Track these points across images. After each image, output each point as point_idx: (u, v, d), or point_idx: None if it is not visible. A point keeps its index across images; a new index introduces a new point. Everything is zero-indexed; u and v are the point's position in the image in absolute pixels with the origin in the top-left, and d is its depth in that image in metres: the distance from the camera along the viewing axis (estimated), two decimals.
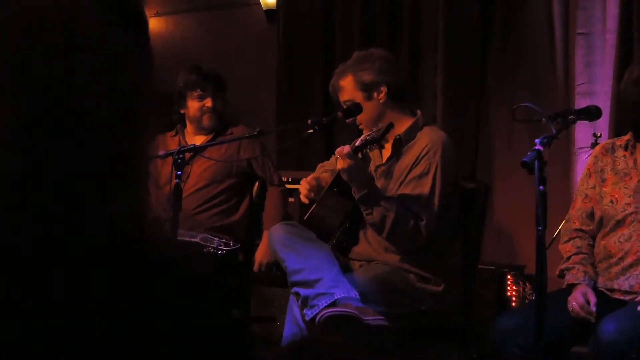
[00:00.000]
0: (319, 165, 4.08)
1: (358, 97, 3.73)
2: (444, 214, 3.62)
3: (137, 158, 0.95)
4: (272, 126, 5.97)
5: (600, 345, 3.03)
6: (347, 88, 3.77)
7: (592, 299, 3.30)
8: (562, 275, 3.50)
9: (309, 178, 3.74)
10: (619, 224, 3.39)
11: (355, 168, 3.43)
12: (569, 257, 3.50)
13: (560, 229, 3.73)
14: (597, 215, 3.49)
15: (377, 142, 3.47)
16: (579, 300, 3.29)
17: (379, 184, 3.65)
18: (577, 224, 3.57)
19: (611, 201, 3.42)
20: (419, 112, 3.84)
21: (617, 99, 4.54)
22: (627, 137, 3.51)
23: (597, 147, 3.66)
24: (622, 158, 3.49)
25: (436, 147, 3.63)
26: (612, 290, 3.37)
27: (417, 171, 3.61)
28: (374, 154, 3.77)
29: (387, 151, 3.76)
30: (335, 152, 3.51)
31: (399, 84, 3.80)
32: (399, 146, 3.70)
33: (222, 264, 4.29)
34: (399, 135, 3.69)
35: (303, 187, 3.73)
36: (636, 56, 4.69)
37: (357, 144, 3.46)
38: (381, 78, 3.73)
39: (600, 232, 3.48)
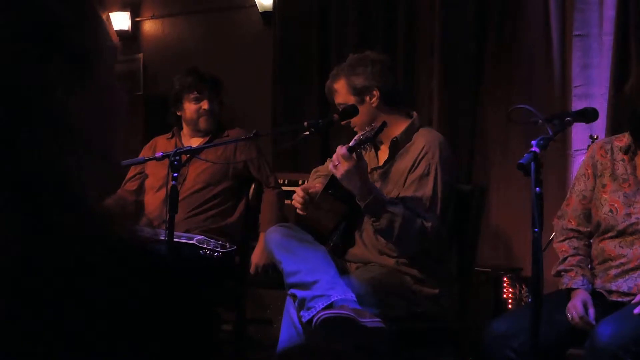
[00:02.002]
0: (313, 171, 4.07)
1: (351, 100, 3.73)
2: (443, 214, 3.62)
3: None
4: (268, 128, 5.98)
5: (596, 348, 3.02)
6: (341, 92, 3.77)
7: (591, 310, 3.28)
8: (558, 274, 3.49)
9: (301, 192, 3.70)
10: (620, 233, 3.38)
11: (356, 169, 3.41)
12: (565, 258, 3.49)
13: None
14: (595, 219, 3.47)
15: (371, 141, 3.47)
16: (579, 310, 3.27)
17: (376, 186, 3.64)
18: (573, 223, 3.56)
19: (610, 210, 3.40)
20: (415, 113, 3.83)
21: (617, 100, 4.54)
22: (627, 139, 3.49)
23: (595, 146, 3.60)
24: (621, 162, 3.47)
25: (434, 148, 3.63)
26: (610, 292, 3.36)
27: (417, 173, 3.60)
28: (369, 156, 3.76)
29: (384, 153, 3.76)
30: (331, 161, 3.49)
31: (392, 88, 3.79)
32: (396, 148, 3.70)
33: (219, 266, 4.28)
34: (395, 137, 3.69)
35: (297, 201, 3.71)
36: (633, 59, 4.70)
37: (350, 144, 3.45)
38: (373, 82, 3.72)
39: (599, 236, 3.46)
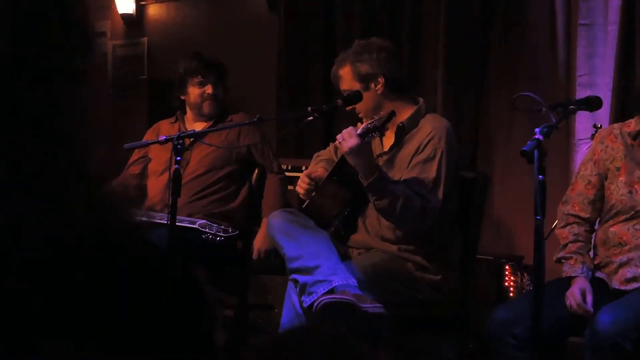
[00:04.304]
0: (315, 155, 4.07)
1: (355, 87, 3.73)
2: (444, 202, 3.62)
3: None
4: (272, 114, 5.97)
5: (596, 335, 3.04)
6: (346, 78, 3.77)
7: (589, 297, 3.29)
8: (559, 261, 3.49)
9: (307, 179, 3.72)
10: (637, 213, 3.38)
11: (362, 147, 3.42)
12: (565, 245, 3.49)
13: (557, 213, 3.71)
14: (610, 203, 3.46)
15: (379, 130, 3.47)
16: (577, 297, 3.28)
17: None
18: (576, 208, 3.55)
19: (630, 192, 3.40)
20: (421, 100, 3.83)
21: (622, 88, 4.55)
22: (635, 124, 3.47)
23: (604, 132, 3.59)
24: (630, 147, 3.47)
25: (441, 133, 3.63)
26: (615, 272, 3.36)
27: (422, 156, 3.60)
28: (375, 142, 3.77)
29: (389, 139, 3.76)
30: (337, 137, 3.50)
31: (398, 75, 3.78)
32: (402, 134, 3.70)
33: (221, 251, 4.29)
34: (401, 122, 3.69)
35: (301, 187, 3.72)
36: (638, 49, 4.69)
37: (358, 132, 3.45)
38: (379, 69, 3.72)
39: (611, 219, 3.46)
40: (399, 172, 3.65)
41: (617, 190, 3.43)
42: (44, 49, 0.93)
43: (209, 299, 0.98)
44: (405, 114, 3.73)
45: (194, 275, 0.97)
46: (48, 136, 0.91)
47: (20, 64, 0.91)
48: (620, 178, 3.44)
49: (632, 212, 3.38)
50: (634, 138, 3.45)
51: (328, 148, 4.02)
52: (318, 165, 3.89)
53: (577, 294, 3.29)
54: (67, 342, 0.84)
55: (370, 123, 3.47)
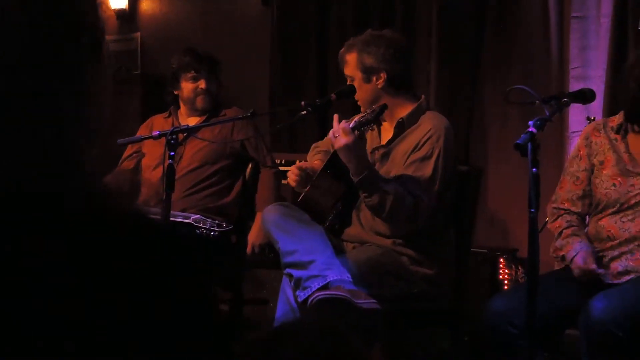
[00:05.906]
0: (312, 146, 4.07)
1: (358, 75, 3.72)
2: (440, 198, 3.62)
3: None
4: (265, 108, 5.97)
5: (589, 323, 3.04)
6: (350, 64, 3.76)
7: (592, 264, 3.29)
8: (556, 253, 3.49)
9: (295, 168, 3.72)
10: (622, 206, 3.39)
11: (355, 145, 3.42)
12: (560, 232, 3.50)
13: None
14: (597, 198, 3.47)
15: (371, 123, 3.47)
16: (579, 263, 3.30)
17: (376, 166, 3.64)
18: (565, 205, 3.57)
19: (614, 184, 3.41)
20: (422, 96, 3.83)
21: (615, 81, 4.55)
22: (619, 118, 3.50)
23: (589, 128, 3.62)
24: (614, 141, 3.48)
25: (439, 132, 3.62)
26: (607, 266, 3.37)
27: (419, 154, 3.60)
28: (372, 135, 3.77)
29: (388, 133, 3.75)
30: (329, 133, 3.50)
31: (401, 72, 3.77)
32: (401, 129, 3.69)
33: (216, 246, 4.28)
34: (402, 118, 3.68)
35: (291, 178, 3.73)
36: (631, 40, 4.69)
37: (351, 125, 3.44)
38: (382, 65, 3.71)
39: (599, 213, 3.46)
40: (395, 168, 3.65)
41: (602, 184, 3.45)
42: (55, 51, 0.94)
43: (214, 293, 0.98)
44: (405, 110, 3.72)
45: (198, 270, 0.97)
46: (46, 134, 0.91)
47: (29, 64, 0.91)
48: (605, 172, 3.45)
49: (618, 205, 3.39)
50: (617, 132, 3.47)
51: (326, 138, 4.01)
52: (315, 157, 3.89)
53: (579, 261, 3.29)
54: (68, 342, 0.84)
55: (362, 116, 3.47)
